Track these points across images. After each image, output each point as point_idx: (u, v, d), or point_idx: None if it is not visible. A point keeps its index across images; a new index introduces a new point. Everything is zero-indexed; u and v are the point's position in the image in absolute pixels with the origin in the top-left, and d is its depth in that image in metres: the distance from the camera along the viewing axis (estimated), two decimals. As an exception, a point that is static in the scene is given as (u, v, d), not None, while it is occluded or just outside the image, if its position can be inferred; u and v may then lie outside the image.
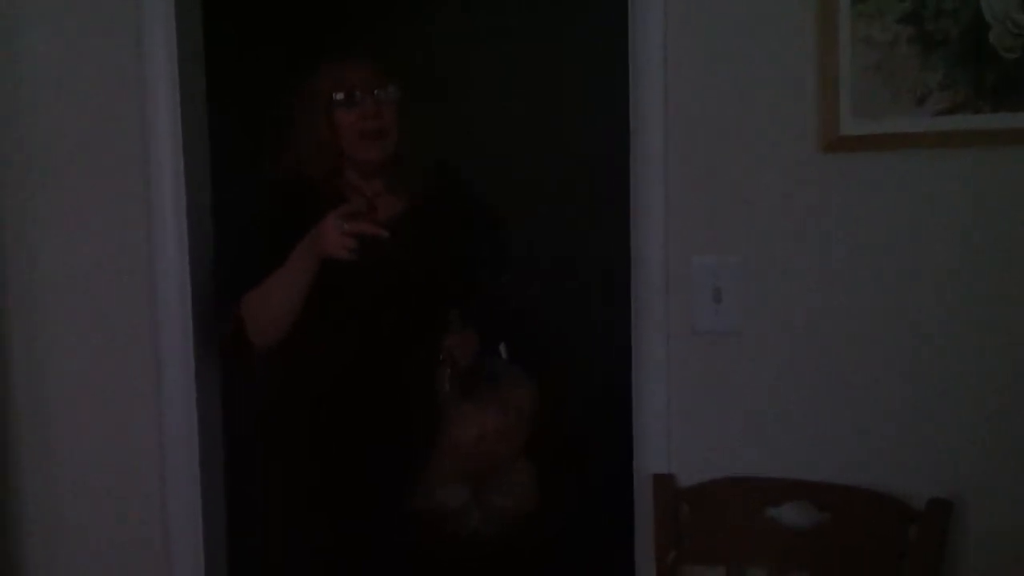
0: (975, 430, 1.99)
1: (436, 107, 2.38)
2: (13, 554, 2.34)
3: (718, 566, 2.06)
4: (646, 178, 2.08)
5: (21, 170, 2.29)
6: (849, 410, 2.03)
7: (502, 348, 2.25)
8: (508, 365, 2.25)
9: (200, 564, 2.33)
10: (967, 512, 1.97)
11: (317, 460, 2.29)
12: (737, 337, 2.07)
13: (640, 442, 2.14)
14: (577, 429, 2.58)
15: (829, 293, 2.03)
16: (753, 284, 2.05)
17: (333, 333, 2.22)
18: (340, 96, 2.21)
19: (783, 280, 2.05)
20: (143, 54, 2.23)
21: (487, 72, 3.66)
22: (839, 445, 2.04)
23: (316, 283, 2.16)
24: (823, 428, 2.04)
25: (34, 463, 2.35)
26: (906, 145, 1.97)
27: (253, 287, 2.21)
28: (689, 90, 2.04)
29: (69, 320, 2.31)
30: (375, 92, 2.22)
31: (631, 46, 2.08)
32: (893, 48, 1.94)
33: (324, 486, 2.28)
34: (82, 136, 2.28)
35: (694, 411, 2.10)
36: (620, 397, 2.17)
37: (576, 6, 3.51)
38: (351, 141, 2.23)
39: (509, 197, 2.58)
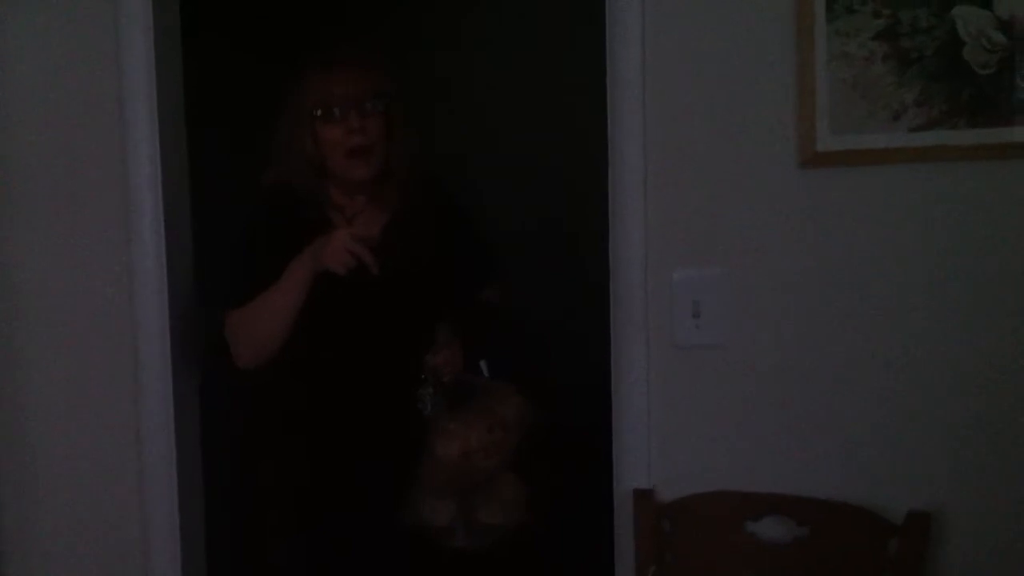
0: (955, 443, 2.00)
1: (420, 121, 2.36)
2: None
3: (698, 581, 2.06)
4: (625, 193, 2.09)
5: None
6: (828, 424, 2.04)
7: (483, 365, 2.24)
8: (491, 381, 2.24)
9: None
10: (947, 524, 1.98)
11: (299, 475, 2.28)
12: (717, 351, 2.07)
13: (620, 457, 2.14)
14: (559, 444, 2.57)
15: (808, 307, 2.04)
16: (733, 298, 2.06)
17: (316, 348, 2.21)
18: (323, 111, 2.19)
19: (762, 294, 2.06)
20: (120, 60, 2.23)
21: (471, 84, 3.69)
22: (819, 459, 2.04)
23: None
24: (803, 442, 2.05)
25: (11, 475, 2.34)
26: (883, 161, 1.99)
27: (236, 298, 2.20)
28: (667, 106, 2.06)
29: (47, 332, 2.31)
30: (359, 106, 2.19)
31: (609, 61, 2.09)
32: (869, 65, 1.97)
33: (307, 501, 2.27)
34: (59, 146, 2.28)
35: (674, 425, 2.10)
36: (601, 411, 2.17)
37: (553, 19, 3.55)
38: (336, 159, 2.21)
39: (489, 209, 2.59)
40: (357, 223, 2.21)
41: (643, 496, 2.09)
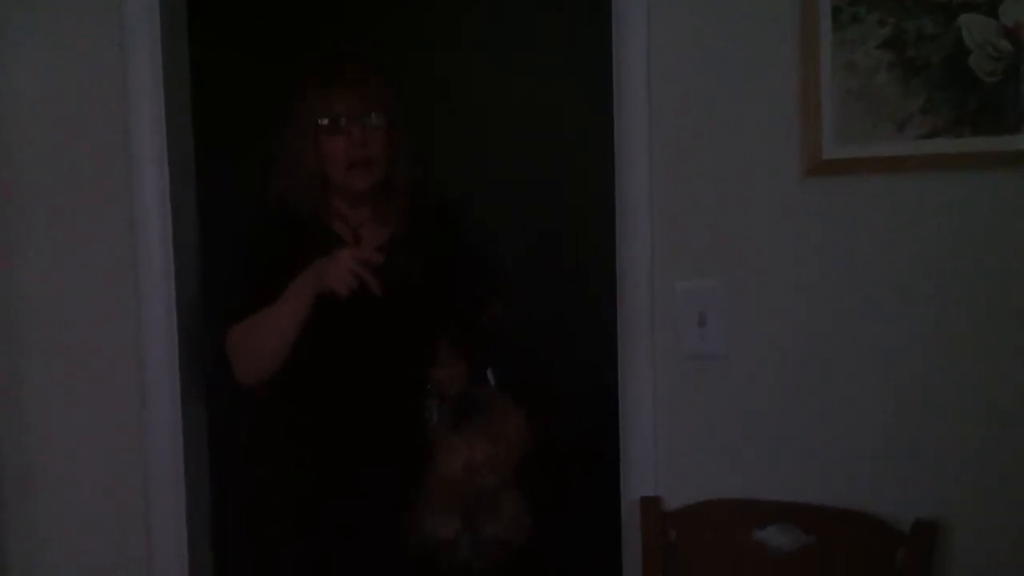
0: (961, 451, 2.00)
1: (420, 122, 2.35)
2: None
3: (706, 589, 2.06)
4: (631, 204, 2.09)
5: (2, 196, 2.29)
6: (834, 432, 2.05)
7: (490, 374, 2.24)
8: (496, 392, 2.24)
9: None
10: (953, 533, 1.98)
11: (304, 491, 2.27)
12: (722, 360, 2.08)
13: (627, 465, 2.15)
14: (563, 454, 2.57)
15: (813, 316, 2.04)
16: (738, 308, 2.06)
17: (319, 362, 2.21)
18: (325, 123, 2.18)
19: (767, 304, 2.06)
20: (128, 73, 2.23)
21: (471, 84, 3.68)
22: (825, 467, 2.05)
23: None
24: (809, 450, 2.05)
25: (16, 487, 2.34)
26: (888, 169, 1.99)
27: (238, 312, 2.20)
28: (672, 116, 2.06)
29: (54, 348, 2.31)
30: (361, 119, 2.18)
31: (616, 71, 2.09)
32: (874, 74, 1.97)
33: (312, 517, 2.26)
34: (65, 161, 2.27)
35: (681, 434, 2.11)
36: (606, 420, 2.18)
37: (553, 19, 3.54)
38: (339, 171, 2.20)
39: (494, 221, 2.58)
40: (362, 239, 2.20)
41: (650, 503, 2.10)
